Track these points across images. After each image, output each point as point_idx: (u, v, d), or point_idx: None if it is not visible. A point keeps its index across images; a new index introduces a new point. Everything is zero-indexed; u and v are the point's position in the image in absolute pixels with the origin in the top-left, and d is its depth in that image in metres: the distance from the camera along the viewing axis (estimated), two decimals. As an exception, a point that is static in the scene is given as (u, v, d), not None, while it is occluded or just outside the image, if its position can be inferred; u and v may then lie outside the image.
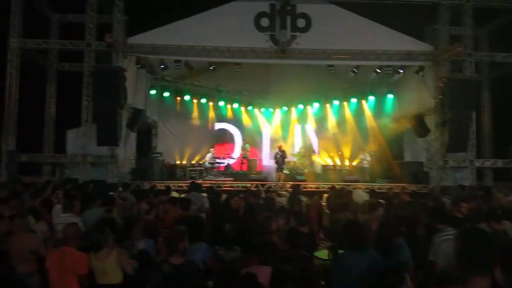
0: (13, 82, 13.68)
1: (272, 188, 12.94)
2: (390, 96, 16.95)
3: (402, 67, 14.51)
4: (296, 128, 19.40)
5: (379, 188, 13.06)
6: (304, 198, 9.27)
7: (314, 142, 18.86)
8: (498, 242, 3.61)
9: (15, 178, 12.41)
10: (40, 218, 5.53)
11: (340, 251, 4.31)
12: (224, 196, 8.15)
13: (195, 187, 8.32)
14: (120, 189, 9.86)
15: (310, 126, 19.19)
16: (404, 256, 4.09)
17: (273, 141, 18.73)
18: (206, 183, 12.54)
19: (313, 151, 18.11)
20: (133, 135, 14.59)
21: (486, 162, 14.98)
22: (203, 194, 8.14)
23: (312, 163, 17.51)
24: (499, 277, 1.94)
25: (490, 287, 1.93)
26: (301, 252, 4.12)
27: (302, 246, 4.27)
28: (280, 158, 15.15)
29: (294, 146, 18.70)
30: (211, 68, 14.48)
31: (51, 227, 5.60)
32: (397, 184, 13.27)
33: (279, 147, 15.96)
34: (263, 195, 8.85)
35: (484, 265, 1.91)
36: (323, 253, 5.37)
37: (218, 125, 18.84)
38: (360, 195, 10.08)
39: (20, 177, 12.68)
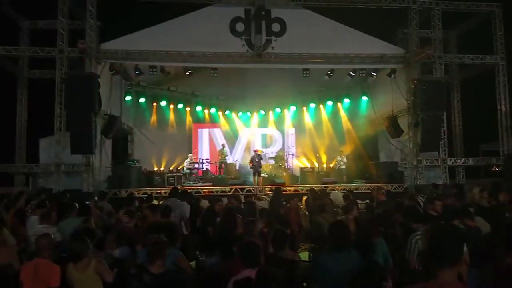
0: (-19, 91, 13.26)
1: (251, 192, 12.96)
2: (365, 98, 17.32)
3: (375, 70, 14.85)
4: (273, 132, 19.54)
5: (356, 189, 13.31)
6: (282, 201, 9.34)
7: (292, 144, 19.04)
8: (469, 238, 3.79)
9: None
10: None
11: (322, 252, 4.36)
12: (203, 202, 8.12)
13: (175, 193, 8.25)
14: (96, 198, 9.66)
15: (288, 129, 19.37)
16: (383, 255, 4.19)
17: (250, 145, 18.77)
18: (185, 189, 12.44)
19: (292, 154, 18.29)
20: (108, 143, 14.34)
21: (457, 161, 15.47)
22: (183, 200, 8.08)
23: (288, 167, 17.69)
24: (463, 272, 2.08)
25: (456, 279, 2.07)
26: (289, 253, 4.15)
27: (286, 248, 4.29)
28: (257, 162, 15.22)
29: (272, 150, 18.82)
30: (188, 73, 14.40)
31: (25, 239, 5.45)
32: (374, 184, 13.54)
33: (256, 151, 16.03)
34: (243, 199, 8.86)
35: (450, 259, 2.05)
36: (303, 255, 5.44)
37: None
38: (338, 196, 10.23)
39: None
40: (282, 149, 18.79)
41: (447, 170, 14.72)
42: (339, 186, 13.81)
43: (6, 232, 5.05)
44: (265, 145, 18.96)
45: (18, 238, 5.53)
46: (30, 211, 6.95)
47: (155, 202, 9.12)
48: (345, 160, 16.41)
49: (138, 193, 11.70)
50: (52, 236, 4.96)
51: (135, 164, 15.47)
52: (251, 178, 15.53)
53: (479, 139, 16.62)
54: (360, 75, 14.78)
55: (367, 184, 14.05)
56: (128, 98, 16.34)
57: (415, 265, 4.04)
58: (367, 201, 9.37)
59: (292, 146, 18.96)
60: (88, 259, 4.01)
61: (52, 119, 13.53)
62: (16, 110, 15.71)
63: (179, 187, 13.34)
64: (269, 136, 19.47)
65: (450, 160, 14.98)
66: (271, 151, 18.56)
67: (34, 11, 15.42)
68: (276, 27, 13.42)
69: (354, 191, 12.46)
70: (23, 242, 5.41)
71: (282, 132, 19.43)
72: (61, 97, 13.36)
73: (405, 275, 3.98)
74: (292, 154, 18.42)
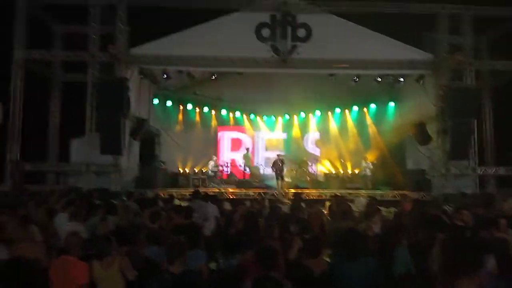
0: (17, 93, 13.81)
1: (274, 196, 12.98)
2: (392, 104, 17.05)
3: (402, 76, 14.61)
4: (298, 136, 19.49)
5: (382, 196, 13.11)
6: (305, 206, 9.30)
7: (317, 150, 18.93)
8: (495, 249, 3.68)
9: (20, 187, 12.50)
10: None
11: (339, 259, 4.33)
12: (226, 204, 8.19)
13: (199, 196, 8.37)
14: (124, 198, 9.92)
15: (312, 134, 19.28)
16: (405, 265, 4.12)
17: (274, 149, 18.77)
18: (209, 191, 12.60)
19: (315, 159, 18.17)
20: (136, 144, 14.69)
21: (488, 170, 14.95)
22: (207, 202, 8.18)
23: (312, 172, 17.59)
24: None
25: None
26: (320, 263, 4.09)
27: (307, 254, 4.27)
28: (280, 166, 15.21)
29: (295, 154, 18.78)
30: (213, 78, 14.61)
31: (55, 236, 5.66)
32: (400, 192, 13.30)
33: (278, 155, 16.02)
34: (267, 203, 8.87)
35: (466, 270, 2.00)
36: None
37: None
38: (362, 202, 10.09)
39: (24, 186, 12.76)
40: (306, 154, 18.70)
41: (477, 180, 14.26)
42: (364, 192, 13.62)
43: (33, 229, 5.25)
44: (289, 150, 18.93)
45: (48, 235, 5.76)
46: (59, 209, 7.21)
47: (180, 203, 9.28)
48: (370, 166, 16.16)
49: (163, 194, 11.91)
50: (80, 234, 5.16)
51: (161, 165, 15.77)
52: (274, 182, 15.54)
53: (511, 148, 16.02)
54: (387, 80, 14.57)
55: (393, 192, 13.80)
56: (155, 101, 16.72)
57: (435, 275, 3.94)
58: (395, 209, 9.19)
59: (313, 151, 18.82)
60: (112, 257, 4.12)
61: (84, 121, 13.97)
62: (50, 112, 16.30)
63: (203, 189, 13.53)
64: (293, 141, 19.42)
65: (481, 169, 14.51)
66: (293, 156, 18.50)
67: (67, 15, 15.97)
68: (301, 32, 13.42)
69: (379, 198, 12.31)
70: (52, 238, 5.62)
71: (307, 137, 19.33)
72: (92, 99, 13.79)
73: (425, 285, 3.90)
74: (316, 159, 18.26)
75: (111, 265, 4.06)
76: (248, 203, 7.87)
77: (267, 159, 18.41)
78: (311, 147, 19.14)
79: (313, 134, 19.34)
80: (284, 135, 19.47)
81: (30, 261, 3.71)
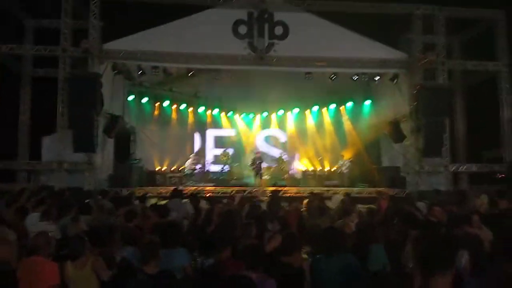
0: (-15, 88, 13.31)
1: (252, 193, 12.96)
2: (368, 102, 17.30)
3: (378, 74, 14.84)
4: (277, 133, 19.55)
5: (359, 193, 13.30)
6: (283, 204, 9.31)
7: (295, 147, 19.04)
8: (468, 246, 3.75)
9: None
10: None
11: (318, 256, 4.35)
12: (202, 203, 8.10)
13: (177, 194, 8.26)
14: (100, 196, 9.69)
15: (290, 131, 19.38)
16: (381, 262, 4.16)
17: (252, 146, 18.77)
18: (186, 189, 12.46)
19: (293, 157, 18.27)
20: (110, 142, 14.37)
21: (460, 167, 15.38)
22: (184, 200, 8.09)
23: (290, 169, 17.68)
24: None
25: (450, 286, 2.02)
26: (297, 258, 4.10)
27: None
28: (259, 164, 15.21)
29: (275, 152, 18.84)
30: (190, 74, 14.44)
31: (26, 236, 5.46)
32: (376, 189, 13.51)
33: (257, 153, 16.02)
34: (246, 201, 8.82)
35: (439, 266, 2.01)
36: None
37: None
38: (339, 200, 10.20)
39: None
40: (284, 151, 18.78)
41: (451, 176, 14.65)
42: (341, 189, 13.77)
43: (4, 229, 5.05)
44: (268, 147, 18.97)
45: (19, 234, 5.55)
46: (30, 208, 6.97)
47: (157, 201, 9.14)
48: (347, 163, 16.36)
49: (139, 193, 11.68)
50: (52, 234, 5.00)
51: (137, 163, 15.50)
52: (253, 180, 15.53)
53: (483, 145, 16.54)
54: (363, 79, 14.77)
55: (370, 189, 14.03)
56: (130, 98, 16.40)
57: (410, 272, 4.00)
58: (370, 205, 9.33)
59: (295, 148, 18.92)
60: (85, 257, 4.01)
61: (55, 118, 13.58)
62: (20, 108, 15.72)
63: (180, 187, 13.37)
64: (272, 138, 19.46)
65: (453, 166, 14.92)
66: (274, 153, 18.54)
67: (39, 10, 15.47)
68: (278, 30, 13.43)
69: (357, 195, 12.48)
70: (24, 238, 5.42)
71: (285, 134, 19.43)
72: (64, 95, 13.39)
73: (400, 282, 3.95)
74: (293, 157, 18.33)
75: (84, 266, 3.97)
76: (225, 201, 7.80)
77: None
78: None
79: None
80: (263, 132, 19.46)
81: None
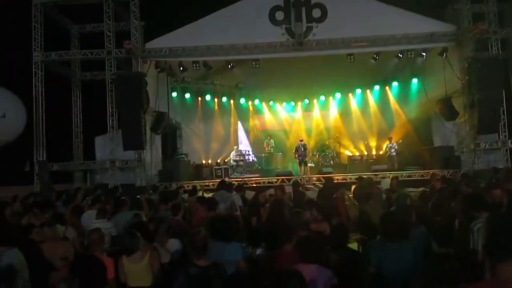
0: (38, 94, 14.12)
1: (298, 182, 12.84)
2: (415, 80, 16.52)
3: (424, 50, 14.09)
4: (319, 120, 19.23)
5: (409, 176, 12.80)
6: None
7: (339, 132, 18.64)
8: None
9: (48, 187, 12.83)
10: (67, 225, 5.67)
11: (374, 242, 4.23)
12: (248, 193, 8.12)
13: (223, 186, 8.33)
14: (151, 191, 10.03)
15: (334, 116, 18.99)
16: (424, 244, 4.04)
17: (295, 134, 18.62)
18: (233, 181, 12.59)
19: (339, 142, 17.87)
20: (158, 138, 14.80)
21: (520, 143, 14.35)
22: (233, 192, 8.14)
23: (338, 154, 17.35)
24: None
25: None
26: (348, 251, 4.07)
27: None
28: (303, 151, 15.04)
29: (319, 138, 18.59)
30: (230, 66, 14.49)
31: (83, 233, 5.73)
32: (428, 171, 12.95)
33: (301, 141, 15.84)
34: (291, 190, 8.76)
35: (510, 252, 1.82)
36: (352, 246, 5.28)
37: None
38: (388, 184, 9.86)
39: (52, 185, 13.09)
40: (329, 137, 18.45)
41: (508, 153, 13.71)
42: (390, 173, 13.31)
43: (60, 227, 5.33)
44: (310, 134, 18.72)
45: (77, 232, 5.85)
46: (86, 206, 7.32)
47: (205, 194, 9.30)
48: (395, 146, 15.74)
49: (187, 186, 11.95)
50: (107, 231, 5.21)
51: (183, 158, 15.88)
52: (297, 168, 15.41)
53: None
54: (409, 56, 14.09)
55: (421, 171, 13.46)
56: (174, 94, 16.79)
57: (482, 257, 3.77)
58: (422, 188, 8.95)
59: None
60: (142, 252, 4.14)
61: (106, 118, 14.19)
62: (72, 111, 16.58)
63: (226, 179, 13.53)
64: (314, 125, 19.17)
65: (511, 142, 13.93)
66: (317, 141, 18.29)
67: (82, 16, 16.14)
68: (316, 12, 13.08)
69: (407, 178, 12.02)
70: (81, 236, 5.70)
71: (328, 120, 19.05)
72: (112, 96, 13.94)
73: (467, 269, 3.74)
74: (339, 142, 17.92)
75: (141, 259, 4.10)
76: (271, 191, 7.77)
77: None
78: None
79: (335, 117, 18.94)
80: (306, 120, 19.22)
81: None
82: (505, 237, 1.88)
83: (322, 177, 12.34)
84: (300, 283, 2.55)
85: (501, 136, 13.59)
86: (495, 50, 13.65)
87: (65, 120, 16.64)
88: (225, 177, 14.77)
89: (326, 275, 3.27)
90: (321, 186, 9.49)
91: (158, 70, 14.23)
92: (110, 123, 14.12)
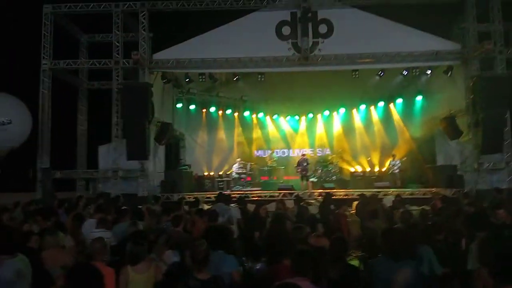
0: (45, 102, 14.22)
1: (300, 197, 12.79)
2: (419, 98, 16.55)
3: (429, 68, 14.17)
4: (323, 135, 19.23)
5: (412, 194, 12.72)
6: (332, 207, 9.11)
7: (342, 147, 18.60)
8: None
9: (51, 194, 12.84)
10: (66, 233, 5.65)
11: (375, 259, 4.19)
12: (250, 206, 8.10)
13: (222, 199, 8.32)
14: (153, 202, 10.02)
15: (337, 132, 18.99)
16: (428, 264, 3.96)
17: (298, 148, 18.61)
18: (234, 194, 12.56)
19: (341, 158, 17.83)
20: (161, 149, 14.85)
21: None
22: (231, 205, 8.13)
23: (340, 170, 17.30)
24: None
25: None
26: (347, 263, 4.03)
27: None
28: (305, 166, 15.01)
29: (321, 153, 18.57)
30: (235, 79, 14.61)
31: (83, 242, 5.72)
32: (430, 189, 12.87)
33: (303, 155, 15.83)
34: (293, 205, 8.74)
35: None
36: (353, 263, 5.22)
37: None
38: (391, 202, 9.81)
39: (55, 193, 13.10)
40: (332, 153, 18.42)
41: (512, 174, 13.62)
42: (393, 191, 13.24)
43: (61, 235, 5.32)
44: (314, 149, 18.73)
45: (76, 241, 5.84)
46: (88, 215, 7.31)
47: (205, 206, 9.29)
48: (398, 163, 15.69)
49: (189, 197, 11.94)
50: (107, 240, 5.19)
51: (186, 169, 15.89)
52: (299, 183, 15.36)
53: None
54: (414, 73, 14.16)
55: (424, 189, 13.38)
56: (179, 105, 16.90)
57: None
58: (423, 207, 8.90)
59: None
60: (147, 262, 4.10)
61: (110, 127, 14.26)
62: (77, 120, 16.68)
63: (228, 191, 13.51)
64: (318, 140, 19.16)
65: (516, 162, 13.84)
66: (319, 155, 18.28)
67: (92, 25, 16.37)
68: (323, 28, 13.21)
69: (409, 196, 11.95)
70: (81, 245, 5.68)
71: (331, 135, 19.05)
72: (118, 106, 14.03)
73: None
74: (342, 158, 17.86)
75: (147, 270, 4.04)
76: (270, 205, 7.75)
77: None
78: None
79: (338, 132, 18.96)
80: (309, 134, 19.21)
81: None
82: (506, 259, 1.86)
83: (324, 192, 12.26)
84: None
85: (505, 156, 13.51)
86: (500, 69, 13.65)
87: (70, 128, 16.74)
88: (227, 189, 14.77)
89: None
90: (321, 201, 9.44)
91: (164, 81, 14.36)
92: (115, 132, 14.19)
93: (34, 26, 14.74)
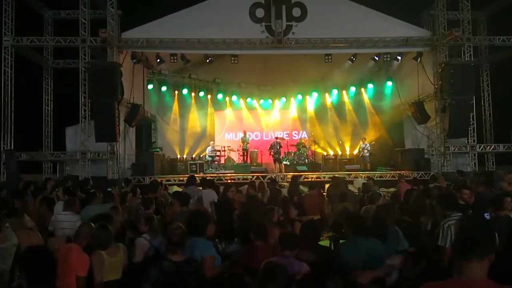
0: (8, 81, 13.60)
1: (273, 179, 12.88)
2: (389, 83, 16.88)
3: (400, 54, 14.42)
4: (295, 118, 19.36)
5: (381, 176, 13.07)
6: (305, 189, 9.24)
7: (315, 131, 18.81)
8: (498, 227, 3.61)
9: (16, 177, 12.37)
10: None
11: (342, 241, 4.29)
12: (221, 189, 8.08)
13: (192, 181, 8.26)
14: (123, 184, 9.83)
15: (310, 115, 19.16)
16: (398, 242, 4.10)
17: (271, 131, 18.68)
18: (207, 176, 12.51)
19: (314, 141, 18.03)
20: (132, 131, 14.54)
21: (487, 147, 14.91)
22: (200, 188, 8.07)
23: (313, 153, 17.53)
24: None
25: (486, 276, 1.89)
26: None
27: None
28: (278, 149, 15.12)
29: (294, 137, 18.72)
30: (208, 60, 14.38)
31: (44, 224, 5.59)
32: (399, 172, 13.26)
33: (276, 138, 15.91)
34: (267, 187, 8.78)
35: (478, 250, 1.89)
36: (324, 243, 5.34)
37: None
38: (361, 183, 10.06)
39: (20, 175, 12.64)
40: (305, 136, 18.62)
41: (476, 157, 14.23)
42: (363, 173, 13.57)
43: (26, 218, 5.17)
44: (288, 132, 18.86)
45: (45, 224, 5.68)
46: (56, 197, 7.11)
47: (177, 189, 9.20)
48: (368, 147, 16.06)
49: (161, 180, 11.81)
50: (73, 224, 5.07)
51: (158, 151, 15.65)
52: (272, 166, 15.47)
53: (510, 124, 15.91)
54: (385, 59, 14.42)
55: (392, 172, 13.77)
56: (150, 86, 16.51)
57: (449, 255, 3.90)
58: (393, 189, 9.18)
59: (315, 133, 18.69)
60: (116, 245, 4.05)
61: (78, 108, 13.79)
62: (43, 100, 16.00)
63: (201, 174, 13.44)
64: (291, 123, 19.29)
65: (479, 146, 14.46)
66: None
67: (57, 1, 15.62)
68: (296, 11, 13.15)
69: (378, 178, 12.27)
70: (43, 226, 5.53)
71: (304, 119, 19.21)
72: (85, 86, 13.56)
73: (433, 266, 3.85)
74: (314, 141, 18.05)
75: (117, 251, 4.01)
76: (242, 188, 7.75)
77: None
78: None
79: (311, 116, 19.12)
80: (282, 117, 19.28)
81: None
82: (473, 236, 1.94)
83: (292, 175, 12.40)
84: (286, 276, 2.58)
85: (470, 141, 14.05)
86: (467, 57, 14.09)
87: (35, 108, 16.07)
88: (199, 172, 14.68)
89: (303, 267, 3.31)
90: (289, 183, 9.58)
91: (134, 61, 13.94)
92: (82, 113, 13.75)
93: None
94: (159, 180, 11.68)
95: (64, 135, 14.76)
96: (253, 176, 13.29)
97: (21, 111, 14.15)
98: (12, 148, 13.50)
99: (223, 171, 15.38)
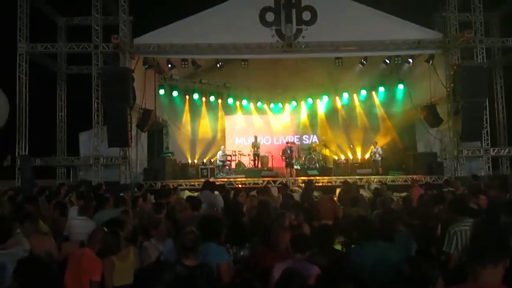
0: (22, 87, 13.81)
1: (284, 184, 12.85)
2: (401, 86, 16.75)
3: (411, 57, 14.31)
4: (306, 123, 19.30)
5: (393, 181, 12.95)
6: (316, 194, 9.19)
7: (326, 135, 18.73)
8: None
9: (30, 182, 12.55)
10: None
11: (354, 246, 4.26)
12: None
13: (208, 186, 8.28)
14: (136, 189, 9.91)
15: (320, 119, 19.08)
16: (405, 246, 4.07)
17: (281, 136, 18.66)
18: (218, 181, 12.54)
19: (325, 145, 17.95)
20: (144, 136, 14.67)
21: (501, 151, 14.67)
22: (216, 192, 8.09)
23: (323, 157, 17.45)
24: None
25: (500, 281, 1.87)
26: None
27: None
28: (289, 154, 15.09)
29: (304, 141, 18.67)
30: (218, 65, 14.46)
31: (59, 229, 5.65)
32: (411, 176, 13.12)
33: (287, 143, 15.89)
34: (278, 192, 8.77)
35: (492, 256, 1.86)
36: (337, 248, 5.31)
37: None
38: (373, 188, 9.98)
39: (35, 180, 12.81)
40: (315, 140, 18.56)
41: (490, 161, 14.00)
42: (374, 178, 13.46)
43: (41, 223, 5.24)
44: (299, 136, 18.83)
45: (58, 229, 5.75)
46: (69, 202, 7.19)
47: (190, 194, 9.24)
48: (380, 151, 15.92)
49: (173, 185, 11.85)
50: (88, 229, 5.11)
51: (170, 156, 15.76)
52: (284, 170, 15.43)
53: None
54: (396, 62, 14.29)
55: (404, 176, 13.63)
56: (161, 91, 16.66)
57: (455, 260, 3.85)
58: (406, 193, 9.10)
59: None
60: (127, 249, 4.08)
61: (91, 113, 13.96)
62: (56, 105, 16.24)
63: (211, 179, 13.48)
64: (302, 127, 19.25)
65: (493, 150, 14.23)
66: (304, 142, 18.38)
67: (70, 8, 15.87)
68: (306, 15, 13.13)
69: (390, 183, 12.17)
70: (57, 231, 5.60)
71: (315, 123, 19.14)
72: (98, 91, 13.73)
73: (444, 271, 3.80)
74: (325, 145, 17.97)
75: (127, 256, 4.05)
76: (253, 193, 7.75)
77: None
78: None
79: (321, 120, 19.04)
80: (292, 122, 19.27)
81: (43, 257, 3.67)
82: (487, 242, 1.92)
83: (306, 180, 12.36)
84: (303, 283, 2.61)
85: (483, 144, 13.84)
86: (480, 59, 13.91)
87: (49, 114, 16.31)
88: (210, 177, 14.72)
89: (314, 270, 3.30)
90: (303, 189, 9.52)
91: (146, 66, 14.10)
92: (95, 118, 13.91)
93: (10, 8, 14.20)
94: (171, 185, 11.76)
95: (77, 140, 14.95)
96: (263, 181, 13.28)
97: (35, 117, 14.36)
98: (27, 153, 13.70)
99: (233, 176, 15.39)
